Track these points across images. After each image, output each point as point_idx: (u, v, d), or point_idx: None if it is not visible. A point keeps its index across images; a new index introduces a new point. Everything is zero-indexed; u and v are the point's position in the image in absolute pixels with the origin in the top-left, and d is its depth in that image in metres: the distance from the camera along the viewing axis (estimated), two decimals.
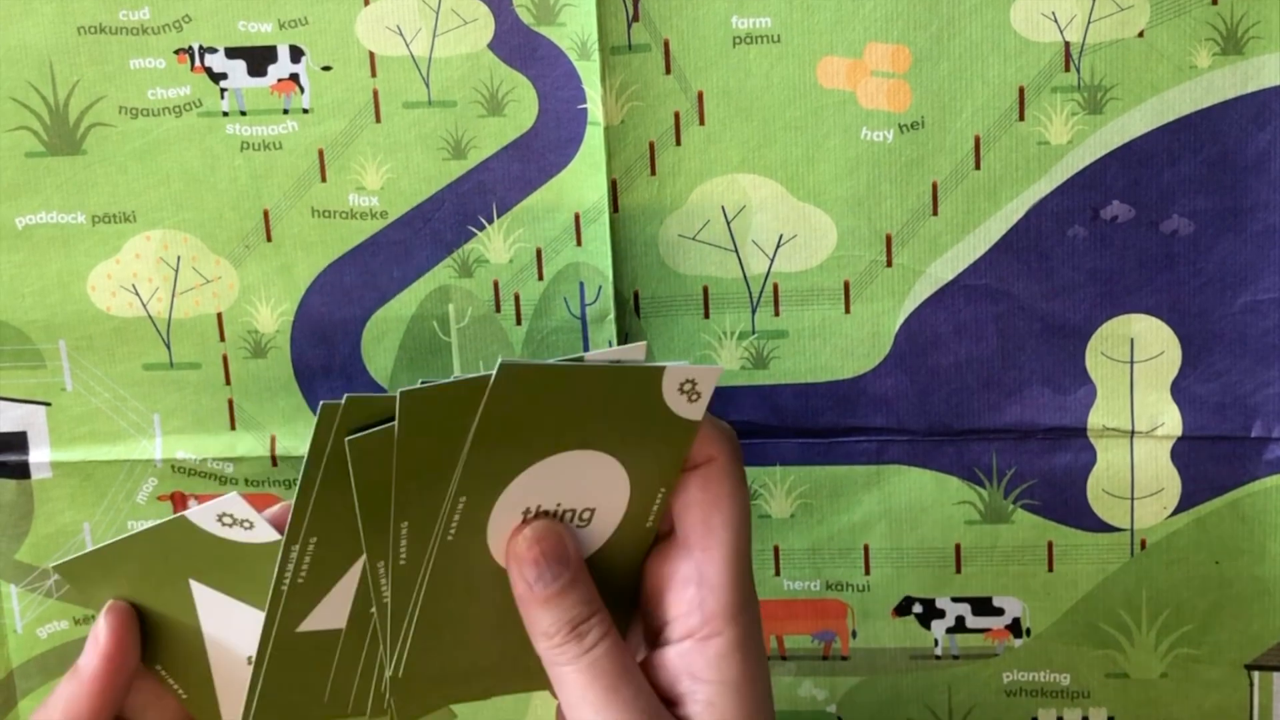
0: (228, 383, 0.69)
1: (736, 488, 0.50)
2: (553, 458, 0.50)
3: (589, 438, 0.50)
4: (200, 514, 0.51)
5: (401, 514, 0.49)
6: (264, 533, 0.52)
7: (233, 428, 0.70)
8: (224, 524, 0.51)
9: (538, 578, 0.50)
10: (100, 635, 0.52)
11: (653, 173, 0.65)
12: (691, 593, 0.49)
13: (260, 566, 0.52)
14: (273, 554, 0.51)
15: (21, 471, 0.71)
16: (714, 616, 0.49)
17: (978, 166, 0.64)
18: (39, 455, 0.70)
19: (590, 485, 0.51)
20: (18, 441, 0.70)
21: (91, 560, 0.53)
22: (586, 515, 0.52)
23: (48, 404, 0.70)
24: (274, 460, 0.70)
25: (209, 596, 0.54)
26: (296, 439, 0.70)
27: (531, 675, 0.53)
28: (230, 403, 0.70)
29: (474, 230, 0.67)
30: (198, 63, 0.66)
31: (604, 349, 0.49)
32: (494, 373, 0.47)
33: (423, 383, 0.47)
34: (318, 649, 0.53)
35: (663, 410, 0.50)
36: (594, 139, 0.65)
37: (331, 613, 0.53)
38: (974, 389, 0.66)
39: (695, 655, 0.49)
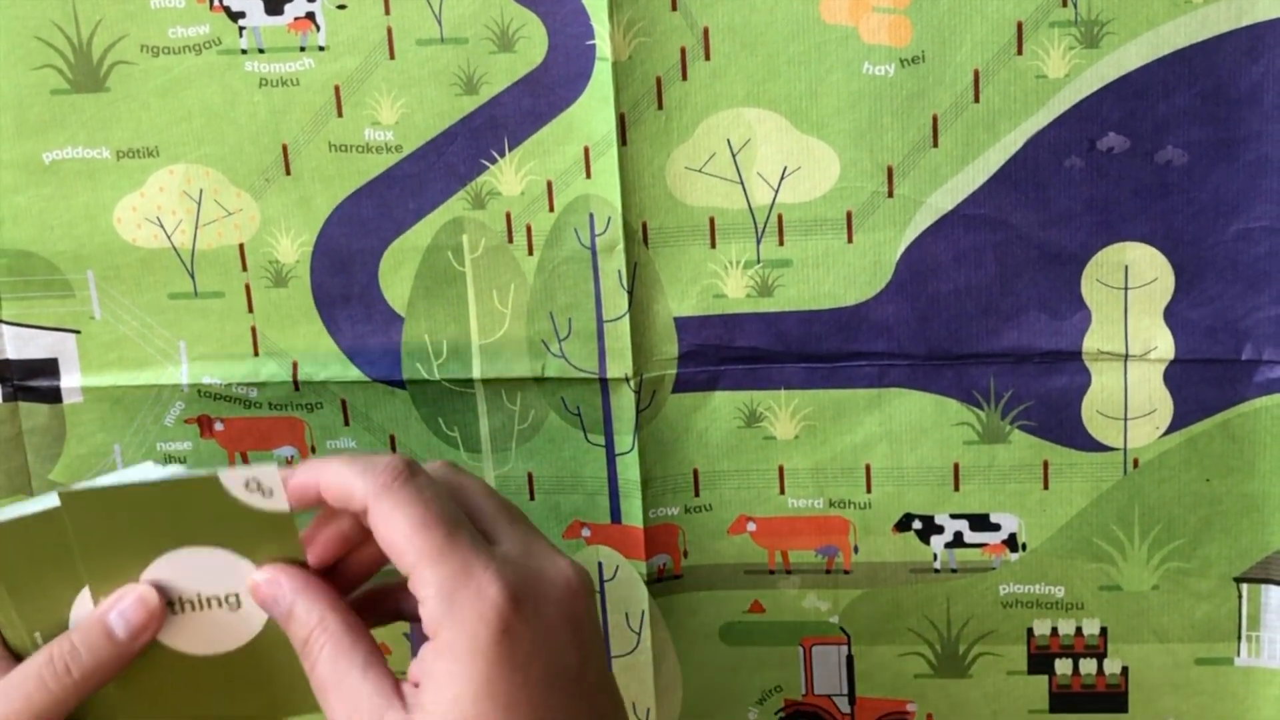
0: (250, 311, 0.71)
1: (389, 522, 0.55)
2: (166, 556, 0.57)
3: (189, 536, 0.57)
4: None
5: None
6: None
7: (256, 354, 0.72)
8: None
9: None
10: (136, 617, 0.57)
11: (660, 107, 0.67)
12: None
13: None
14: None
15: (53, 396, 0.73)
16: (428, 628, 0.54)
17: (977, 99, 0.65)
18: (70, 380, 0.72)
19: (219, 575, 0.58)
20: (49, 367, 0.73)
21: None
22: (233, 599, 0.58)
23: (77, 331, 0.72)
24: (296, 385, 0.72)
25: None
26: (318, 365, 0.72)
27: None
28: (253, 330, 0.72)
29: (486, 164, 0.68)
30: (216, 2, 0.67)
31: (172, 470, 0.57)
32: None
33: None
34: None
35: (243, 508, 0.56)
36: (602, 74, 0.66)
37: None
38: (973, 315, 0.68)
39: (425, 653, 0.54)
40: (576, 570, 0.57)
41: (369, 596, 0.61)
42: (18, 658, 0.59)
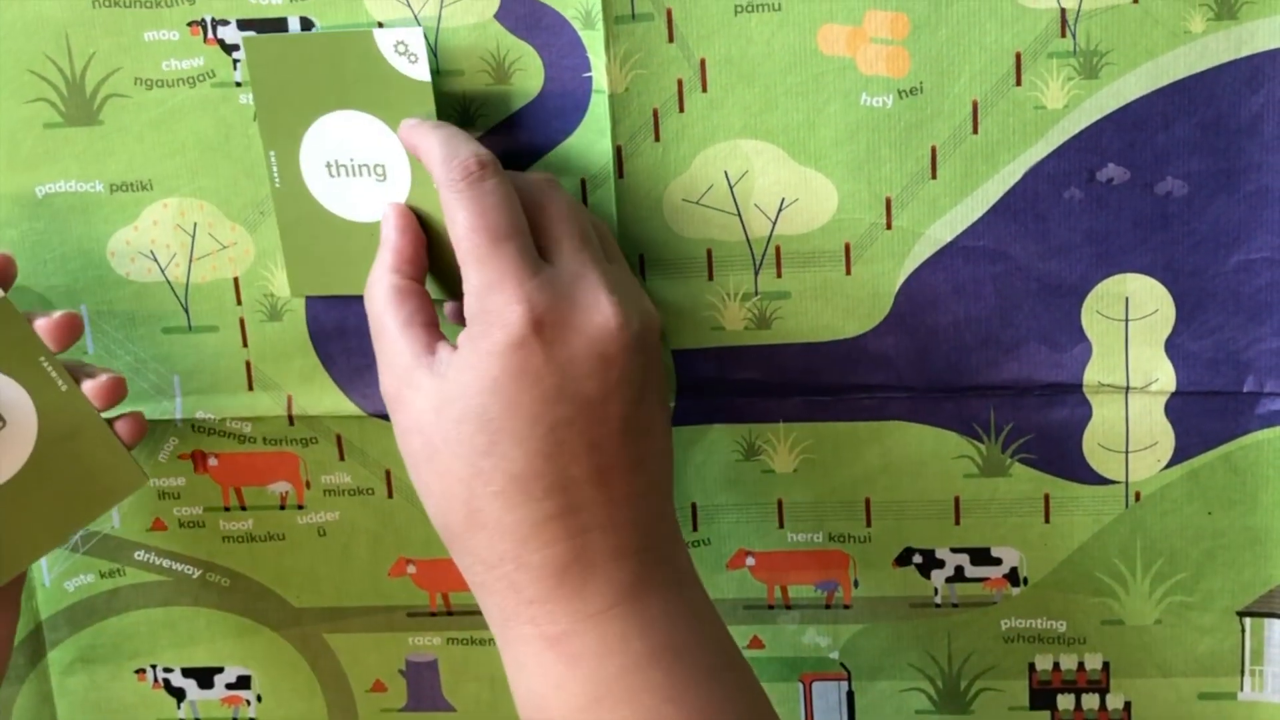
0: (245, 345, 0.71)
1: (451, 217, 0.60)
2: (326, 117, 0.65)
3: (345, 98, 0.64)
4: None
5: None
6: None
7: (250, 388, 0.71)
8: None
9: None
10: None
11: (656, 139, 0.66)
12: None
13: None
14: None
15: None
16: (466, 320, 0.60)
17: (975, 131, 0.65)
18: None
19: (369, 144, 0.65)
20: None
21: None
22: (380, 170, 0.65)
23: None
24: (291, 420, 0.72)
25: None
26: (312, 398, 0.71)
27: None
28: (248, 364, 0.71)
29: None
30: (210, 35, 0.67)
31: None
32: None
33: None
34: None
35: (390, 72, 0.63)
36: (599, 106, 0.66)
37: None
38: (972, 347, 0.68)
39: (462, 337, 0.60)
40: (620, 315, 0.60)
41: None
42: None
